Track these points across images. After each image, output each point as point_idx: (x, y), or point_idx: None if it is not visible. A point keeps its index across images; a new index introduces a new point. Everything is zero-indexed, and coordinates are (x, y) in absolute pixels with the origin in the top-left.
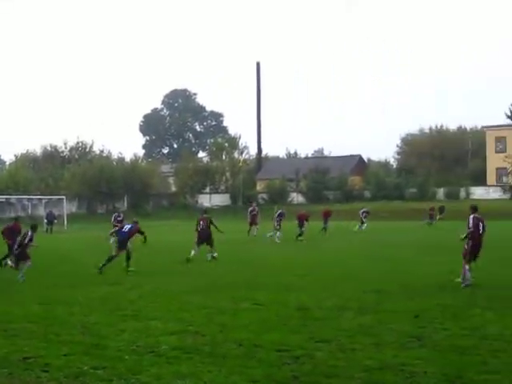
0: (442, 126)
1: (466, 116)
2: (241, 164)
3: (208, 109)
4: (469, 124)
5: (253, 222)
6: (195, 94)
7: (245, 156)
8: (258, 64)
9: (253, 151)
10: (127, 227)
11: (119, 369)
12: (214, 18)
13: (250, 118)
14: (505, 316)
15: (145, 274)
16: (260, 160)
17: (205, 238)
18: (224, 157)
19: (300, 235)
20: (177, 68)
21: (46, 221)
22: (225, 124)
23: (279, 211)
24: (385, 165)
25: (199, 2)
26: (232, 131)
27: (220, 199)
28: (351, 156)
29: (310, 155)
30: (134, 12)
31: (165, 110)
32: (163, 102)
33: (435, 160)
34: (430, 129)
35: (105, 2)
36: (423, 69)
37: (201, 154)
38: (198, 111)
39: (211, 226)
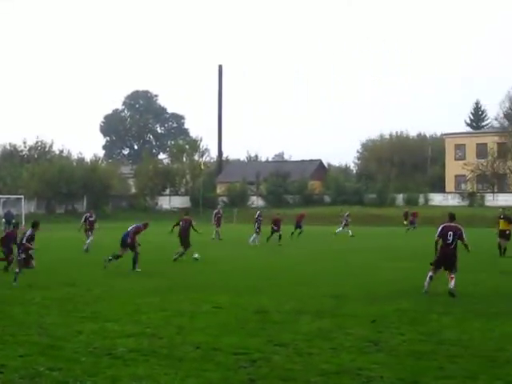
0: (402, 133)
1: (426, 123)
2: (202, 167)
3: (169, 110)
4: (429, 131)
5: (218, 225)
6: (157, 96)
7: (205, 158)
8: (220, 67)
9: (214, 154)
10: (131, 227)
11: (75, 370)
12: (176, 20)
13: (211, 120)
14: (462, 321)
15: (103, 275)
16: (220, 163)
17: (182, 238)
18: (184, 159)
19: (279, 239)
20: (138, 69)
21: (3, 220)
22: (186, 126)
23: (258, 212)
24: (345, 170)
25: (162, 3)
26: (193, 133)
27: (180, 201)
28: (311, 161)
29: (270, 159)
30: (97, 12)
31: (126, 111)
32: (124, 103)
33: (395, 166)
34: (391, 135)
35: (67, 2)
36: (384, 76)
37: (161, 156)
38: (160, 113)
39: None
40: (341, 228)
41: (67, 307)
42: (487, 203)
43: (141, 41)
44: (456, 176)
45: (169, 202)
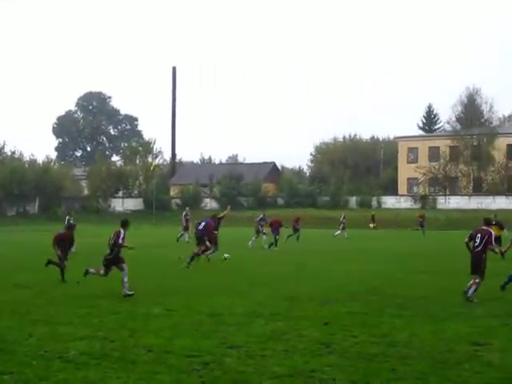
0: (355, 136)
1: (379, 126)
2: (153, 169)
3: (122, 112)
4: (382, 134)
5: (187, 227)
6: (110, 97)
7: (159, 161)
8: (173, 69)
9: (167, 156)
10: (202, 224)
11: (26, 374)
12: (130, 21)
13: (165, 122)
14: (414, 323)
15: (58, 278)
16: (174, 165)
17: (211, 238)
18: (138, 161)
19: (276, 243)
20: (92, 70)
21: None
22: (139, 128)
23: (261, 216)
24: (298, 172)
25: (116, 4)
26: (146, 135)
27: (133, 204)
28: (265, 163)
29: (224, 161)
30: (49, 12)
31: (79, 113)
32: (77, 105)
33: (348, 169)
34: (344, 138)
35: (20, 2)
36: (337, 79)
37: (114, 158)
38: (113, 114)
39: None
40: (339, 231)
41: (20, 310)
42: (439, 206)
43: (94, 41)
44: (408, 179)
45: (122, 204)
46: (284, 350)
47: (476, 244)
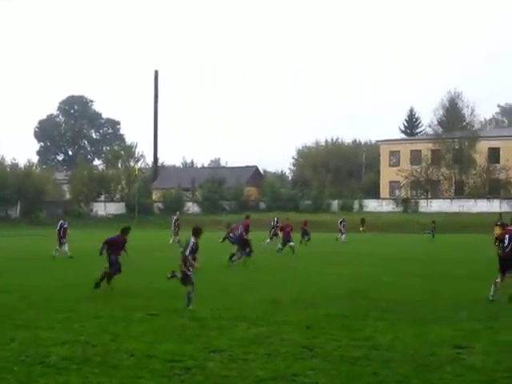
0: (337, 140)
1: (361, 130)
2: (136, 172)
3: (104, 116)
4: (364, 138)
5: (177, 232)
6: (92, 101)
7: (141, 165)
8: (156, 72)
9: (149, 160)
10: (240, 228)
11: (8, 380)
12: (112, 25)
13: (147, 126)
14: (396, 326)
15: (38, 282)
16: (156, 169)
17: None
18: (120, 165)
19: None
20: (74, 74)
21: None
22: (121, 132)
23: (276, 219)
24: (280, 176)
25: (99, 8)
26: (128, 139)
27: (115, 208)
28: (247, 167)
29: (206, 165)
30: (31, 16)
31: (60, 117)
32: (59, 108)
33: (330, 172)
34: (326, 142)
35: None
36: (318, 82)
37: (96, 162)
38: (95, 118)
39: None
40: (344, 235)
41: (1, 315)
42: (421, 209)
43: (76, 45)
44: (390, 182)
45: (104, 208)
46: (266, 353)
47: (505, 244)
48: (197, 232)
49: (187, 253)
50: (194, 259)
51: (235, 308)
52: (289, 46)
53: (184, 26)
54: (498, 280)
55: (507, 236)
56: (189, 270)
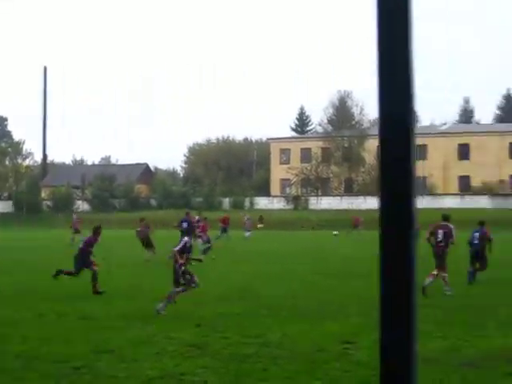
0: (228, 137)
1: (252, 128)
2: (24, 170)
3: None
4: (255, 136)
5: (79, 230)
6: None
7: (29, 162)
8: (45, 68)
9: (38, 157)
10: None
11: None
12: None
13: (36, 123)
14: (286, 323)
15: None
16: (45, 166)
17: None
18: (7, 162)
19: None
20: None
21: None
22: (9, 129)
23: (247, 216)
24: (172, 174)
25: None
26: (16, 136)
27: (2, 206)
28: (138, 164)
29: (96, 162)
30: None
31: None
32: None
33: (222, 170)
34: (217, 139)
35: None
36: (208, 80)
37: None
38: None
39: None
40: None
41: None
42: (311, 206)
43: None
44: (281, 180)
45: None
46: (155, 352)
47: (439, 240)
48: (189, 231)
49: (176, 248)
50: (187, 259)
51: (124, 307)
52: (194, 44)
53: (74, 21)
54: (435, 272)
55: (441, 231)
56: (180, 266)
